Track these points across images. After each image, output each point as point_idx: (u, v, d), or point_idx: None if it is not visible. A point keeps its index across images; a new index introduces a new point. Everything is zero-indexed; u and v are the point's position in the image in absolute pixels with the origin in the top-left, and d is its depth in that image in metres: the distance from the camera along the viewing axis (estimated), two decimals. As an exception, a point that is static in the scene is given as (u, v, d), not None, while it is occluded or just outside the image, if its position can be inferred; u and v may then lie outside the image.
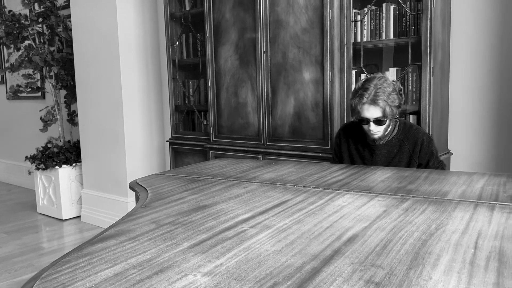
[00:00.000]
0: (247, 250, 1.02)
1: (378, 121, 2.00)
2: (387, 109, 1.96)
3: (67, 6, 4.50)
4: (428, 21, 2.35)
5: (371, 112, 1.98)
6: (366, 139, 2.16)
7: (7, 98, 5.08)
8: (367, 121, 2.01)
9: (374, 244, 1.04)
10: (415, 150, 2.09)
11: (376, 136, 2.08)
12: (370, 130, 2.04)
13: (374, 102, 1.95)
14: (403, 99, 2.07)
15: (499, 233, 1.10)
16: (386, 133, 2.10)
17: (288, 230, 1.16)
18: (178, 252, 1.03)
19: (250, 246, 1.05)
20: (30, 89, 4.61)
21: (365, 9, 2.63)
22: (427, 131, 2.39)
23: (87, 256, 1.02)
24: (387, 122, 2.03)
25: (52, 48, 4.53)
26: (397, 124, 2.13)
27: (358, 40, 2.63)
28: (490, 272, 0.87)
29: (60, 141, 4.50)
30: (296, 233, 1.13)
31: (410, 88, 2.51)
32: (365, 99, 1.97)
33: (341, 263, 0.93)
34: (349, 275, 0.88)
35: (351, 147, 2.23)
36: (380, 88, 1.96)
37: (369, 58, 2.74)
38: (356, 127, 2.18)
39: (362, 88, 2.00)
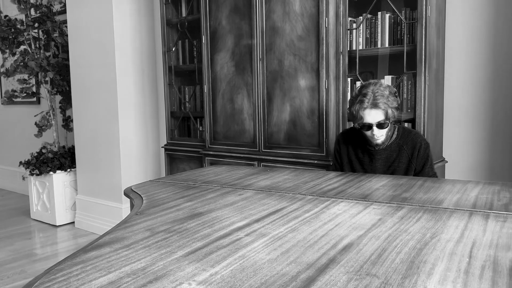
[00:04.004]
0: (242, 259, 1.02)
1: (381, 125, 2.01)
2: (389, 111, 1.98)
3: (63, 11, 4.50)
4: (423, 29, 2.36)
5: (373, 116, 1.99)
6: (366, 145, 2.17)
7: (2, 103, 5.06)
8: (369, 126, 2.02)
9: (369, 253, 1.04)
10: (414, 154, 2.10)
11: (379, 141, 2.09)
12: (373, 135, 2.05)
13: (375, 105, 1.97)
14: (399, 100, 2.10)
15: (494, 242, 1.10)
16: (387, 136, 2.11)
17: (284, 238, 1.16)
18: (173, 260, 1.02)
19: (245, 254, 1.05)
20: (25, 94, 4.60)
21: (361, 17, 2.64)
22: (422, 139, 2.40)
23: (81, 264, 1.01)
24: (389, 125, 2.04)
25: (47, 54, 4.52)
26: (396, 129, 2.15)
27: (354, 48, 2.65)
28: (484, 282, 0.87)
29: (55, 146, 4.49)
30: (291, 242, 1.13)
31: (405, 96, 2.52)
32: (366, 103, 1.98)
33: (337, 272, 0.93)
34: (345, 284, 0.88)
35: (350, 153, 2.24)
36: (377, 92, 1.98)
37: (364, 66, 2.75)
38: (355, 133, 2.19)
39: (361, 95, 2.01)
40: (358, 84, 2.64)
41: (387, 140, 2.12)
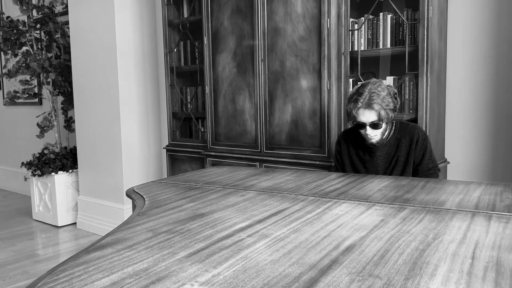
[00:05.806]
0: (244, 260, 1.02)
1: (374, 125, 2.03)
2: (382, 113, 1.99)
3: (65, 12, 4.51)
4: (425, 30, 2.36)
5: (366, 116, 2.01)
6: (365, 143, 2.17)
7: (4, 104, 5.07)
8: (363, 125, 2.04)
9: (372, 254, 1.04)
10: (412, 146, 2.11)
11: (373, 140, 2.10)
12: (367, 134, 2.07)
13: (368, 106, 1.98)
14: (398, 102, 2.10)
15: (497, 243, 1.10)
16: (384, 136, 2.12)
17: (286, 239, 1.16)
18: (175, 261, 1.02)
19: (248, 255, 1.05)
20: (27, 95, 4.61)
21: (363, 18, 2.64)
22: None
23: (84, 264, 1.02)
24: (384, 125, 2.05)
25: (49, 55, 4.53)
26: (394, 124, 2.16)
27: (355, 48, 2.65)
28: (487, 283, 0.87)
29: (57, 147, 4.49)
30: (293, 242, 1.13)
31: (407, 97, 2.52)
32: (359, 103, 2.00)
33: (339, 273, 0.93)
34: (347, 285, 0.87)
35: (351, 152, 2.25)
36: (374, 92, 1.99)
37: (366, 67, 2.75)
38: (355, 132, 2.20)
39: (357, 93, 2.03)
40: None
41: (383, 140, 2.13)
